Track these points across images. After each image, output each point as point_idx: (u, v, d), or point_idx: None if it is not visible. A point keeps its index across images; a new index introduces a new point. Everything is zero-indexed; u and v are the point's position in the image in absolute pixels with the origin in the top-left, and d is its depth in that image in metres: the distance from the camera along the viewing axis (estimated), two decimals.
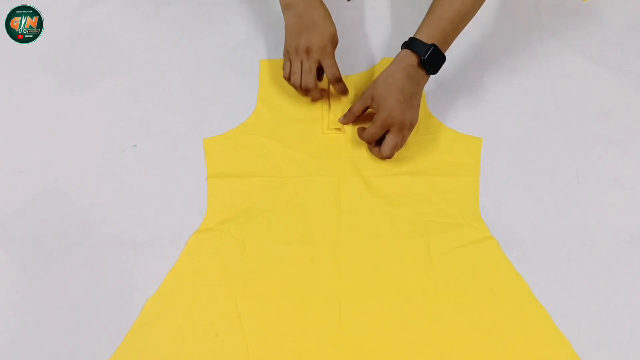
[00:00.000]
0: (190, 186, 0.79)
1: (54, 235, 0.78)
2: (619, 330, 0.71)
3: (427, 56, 0.72)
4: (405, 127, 0.75)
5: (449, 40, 0.75)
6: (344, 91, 0.80)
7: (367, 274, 0.74)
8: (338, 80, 0.77)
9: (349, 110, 0.79)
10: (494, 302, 0.72)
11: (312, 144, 0.81)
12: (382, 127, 0.75)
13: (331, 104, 0.83)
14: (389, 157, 0.77)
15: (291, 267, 0.74)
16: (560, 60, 0.87)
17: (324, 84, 0.83)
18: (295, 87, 0.80)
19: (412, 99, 0.74)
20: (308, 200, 0.78)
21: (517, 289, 0.73)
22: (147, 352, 0.71)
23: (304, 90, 0.79)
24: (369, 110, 0.78)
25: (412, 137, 0.80)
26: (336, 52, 0.79)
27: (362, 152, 0.80)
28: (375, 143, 0.78)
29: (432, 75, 0.77)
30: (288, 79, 0.79)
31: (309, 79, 0.77)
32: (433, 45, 0.72)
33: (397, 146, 0.76)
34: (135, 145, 0.82)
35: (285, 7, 0.77)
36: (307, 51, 0.76)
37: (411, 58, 0.73)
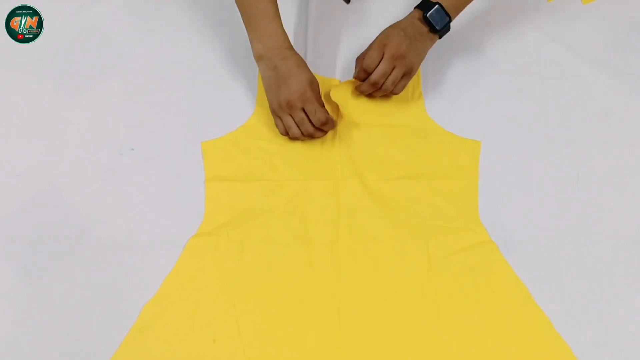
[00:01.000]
0: (188, 190, 0.79)
1: (51, 238, 0.77)
2: (619, 334, 0.71)
3: (430, 12, 0.74)
4: (409, 69, 0.76)
5: (459, 7, 0.77)
6: (333, 127, 0.79)
7: (366, 278, 0.73)
8: (324, 124, 0.77)
9: (357, 60, 0.78)
10: (493, 305, 0.72)
11: (311, 147, 0.80)
12: (390, 59, 0.74)
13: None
14: (377, 83, 0.76)
15: (290, 270, 0.74)
16: (561, 61, 0.86)
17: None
18: (299, 139, 0.79)
19: (415, 44, 0.75)
20: (306, 203, 0.77)
21: (516, 293, 0.73)
22: (145, 357, 0.71)
23: (310, 137, 0.79)
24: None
25: (410, 140, 0.80)
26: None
27: (361, 155, 0.80)
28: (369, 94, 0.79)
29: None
30: (287, 135, 0.79)
31: (308, 127, 0.76)
32: (438, 3, 0.75)
33: (386, 76, 0.76)
34: (133, 149, 0.82)
35: (258, 59, 0.77)
36: (289, 105, 0.75)
37: (416, 13, 0.76)
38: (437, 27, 0.76)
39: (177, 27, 0.89)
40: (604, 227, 0.76)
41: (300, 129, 0.77)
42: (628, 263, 0.74)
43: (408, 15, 0.77)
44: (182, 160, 0.81)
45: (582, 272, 0.74)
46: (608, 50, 0.87)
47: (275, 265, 0.74)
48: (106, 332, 0.72)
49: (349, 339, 0.70)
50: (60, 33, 0.89)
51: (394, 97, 0.82)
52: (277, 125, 0.79)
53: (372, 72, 0.75)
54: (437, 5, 0.75)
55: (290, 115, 0.76)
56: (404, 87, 0.78)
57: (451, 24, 0.77)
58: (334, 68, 0.86)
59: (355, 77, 0.78)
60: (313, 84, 0.76)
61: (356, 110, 0.81)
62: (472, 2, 0.79)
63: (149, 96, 0.85)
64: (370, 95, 0.81)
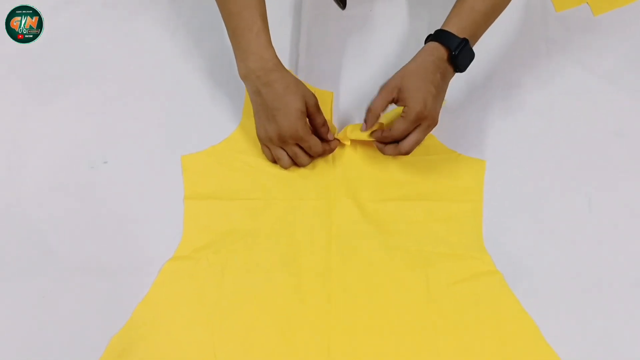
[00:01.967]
0: (165, 208, 0.76)
1: (11, 259, 0.74)
2: None
3: (459, 51, 0.69)
4: (434, 124, 0.71)
5: (478, 35, 0.72)
6: (331, 151, 0.76)
7: (359, 310, 0.71)
8: (321, 155, 0.75)
9: (369, 110, 0.72)
10: (498, 342, 0.69)
11: None
12: (415, 121, 0.69)
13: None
14: (408, 153, 0.72)
15: (274, 300, 0.71)
16: (570, 77, 0.85)
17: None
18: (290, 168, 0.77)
19: (441, 95, 0.71)
20: (295, 225, 0.75)
21: (523, 329, 0.70)
22: None
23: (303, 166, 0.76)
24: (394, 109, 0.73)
25: (410, 158, 0.77)
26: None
27: (356, 173, 0.77)
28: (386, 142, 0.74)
29: None
30: (275, 163, 0.76)
31: (303, 160, 0.74)
32: (465, 39, 0.69)
33: (419, 143, 0.72)
34: (105, 162, 0.79)
35: (243, 78, 0.72)
36: (281, 140, 0.72)
37: (441, 51, 0.70)
38: (463, 70, 0.71)
39: (156, 32, 0.88)
40: (620, 256, 0.74)
41: (296, 163, 0.75)
42: None
43: (431, 54, 0.70)
44: (159, 175, 0.78)
45: (597, 306, 0.71)
46: (620, 65, 0.85)
47: (258, 294, 0.71)
48: None
49: None
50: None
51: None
52: (264, 152, 0.76)
53: (400, 139, 0.71)
54: (464, 42, 0.69)
55: (282, 148, 0.74)
56: None
57: None
58: (328, 79, 0.84)
59: (374, 135, 0.73)
60: (304, 114, 0.71)
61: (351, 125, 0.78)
62: None
63: (123, 105, 0.83)
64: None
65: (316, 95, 0.74)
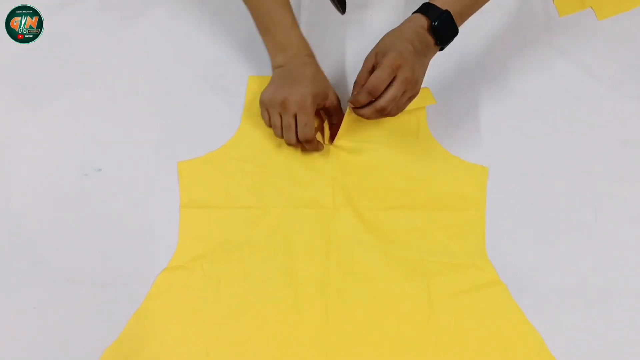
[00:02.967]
0: (160, 217, 0.75)
1: (1, 270, 0.72)
2: None
3: (439, 22, 0.68)
4: (411, 82, 0.66)
5: (464, 14, 0.70)
6: (316, 149, 0.75)
7: (358, 322, 0.69)
8: (308, 141, 0.73)
9: (355, 82, 0.69)
10: (502, 355, 0.68)
11: (300, 170, 0.76)
12: (389, 67, 0.65)
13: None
14: (384, 110, 0.66)
15: (271, 312, 0.70)
16: (575, 84, 0.83)
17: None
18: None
19: (422, 61, 0.68)
20: (293, 234, 0.73)
21: (528, 342, 0.69)
22: None
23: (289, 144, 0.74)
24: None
25: (411, 165, 0.76)
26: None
27: (356, 181, 0.76)
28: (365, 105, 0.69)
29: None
30: (270, 127, 0.75)
31: (291, 137, 0.72)
32: (446, 11, 0.68)
33: (395, 101, 0.67)
34: (99, 169, 0.77)
35: (276, 68, 0.75)
36: (283, 104, 0.71)
37: (422, 20, 0.68)
38: (445, 42, 0.69)
39: (152, 36, 0.86)
40: (627, 268, 0.72)
41: (283, 135, 0.73)
42: None
43: (411, 21, 0.69)
44: (154, 182, 0.77)
45: (603, 320, 0.70)
46: (625, 71, 0.84)
47: (254, 306, 0.70)
48: None
49: None
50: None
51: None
52: (262, 116, 0.75)
53: (379, 96, 0.66)
54: (446, 13, 0.67)
55: (280, 115, 0.72)
56: (403, 109, 0.71)
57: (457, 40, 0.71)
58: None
59: (354, 100, 0.68)
60: (319, 97, 0.72)
61: (350, 129, 0.77)
62: (480, 19, 0.74)
63: (118, 110, 0.81)
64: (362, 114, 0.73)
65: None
